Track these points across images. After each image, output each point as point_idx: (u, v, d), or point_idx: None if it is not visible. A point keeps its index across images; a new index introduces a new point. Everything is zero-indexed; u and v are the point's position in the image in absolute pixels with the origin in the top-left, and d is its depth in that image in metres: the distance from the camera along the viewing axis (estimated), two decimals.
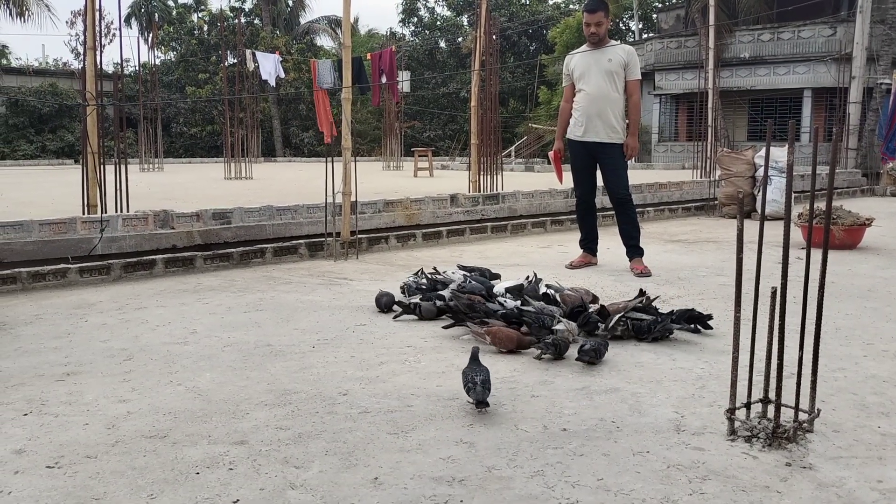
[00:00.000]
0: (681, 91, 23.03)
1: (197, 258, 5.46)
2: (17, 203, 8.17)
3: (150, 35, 25.69)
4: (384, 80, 14.93)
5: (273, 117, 31.56)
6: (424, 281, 4.32)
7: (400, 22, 35.93)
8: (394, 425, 2.39)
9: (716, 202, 9.67)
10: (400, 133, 21.74)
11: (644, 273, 5.12)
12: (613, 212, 5.53)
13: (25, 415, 2.52)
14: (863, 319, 3.82)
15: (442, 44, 34.97)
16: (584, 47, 5.43)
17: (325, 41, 36.01)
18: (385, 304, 4.01)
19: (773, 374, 2.26)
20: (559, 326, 3.33)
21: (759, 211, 2.27)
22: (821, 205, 6.73)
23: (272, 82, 17.32)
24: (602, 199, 6.52)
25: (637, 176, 10.89)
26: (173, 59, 32.68)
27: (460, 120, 30.17)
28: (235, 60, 18.00)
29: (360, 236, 6.23)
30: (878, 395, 2.67)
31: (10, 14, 27.70)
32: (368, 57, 15.29)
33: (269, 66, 16.99)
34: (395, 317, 3.90)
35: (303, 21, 35.97)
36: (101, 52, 6.08)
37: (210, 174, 15.86)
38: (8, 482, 2.01)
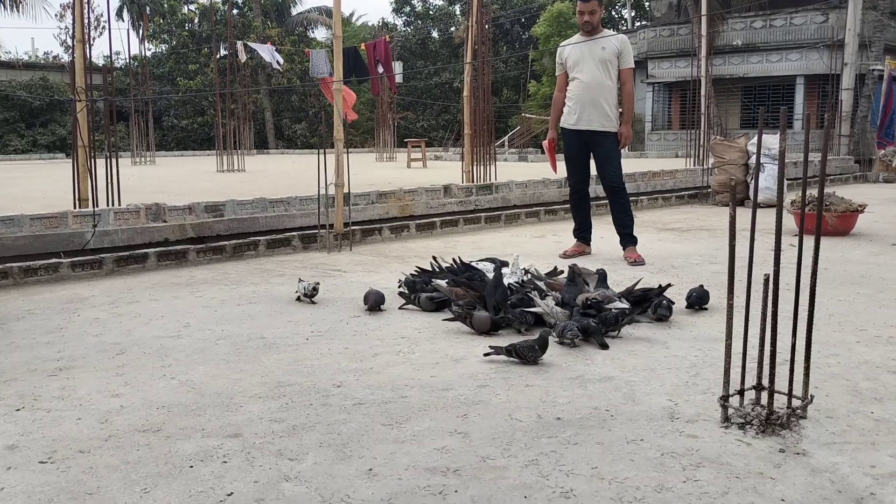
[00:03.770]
0: (674, 79, 23.02)
1: (189, 251, 5.44)
2: (9, 198, 8.12)
3: (142, 27, 25.50)
4: (381, 69, 14.90)
5: (265, 109, 31.41)
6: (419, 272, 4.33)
7: (392, 11, 35.74)
8: (388, 416, 2.39)
9: (709, 190, 9.67)
10: (393, 124, 21.64)
11: (637, 261, 5.12)
12: (607, 200, 5.53)
13: (18, 410, 2.51)
14: (856, 305, 3.83)
15: (434, 33, 34.80)
16: (577, 36, 5.43)
17: (318, 32, 35.81)
18: (374, 302, 3.84)
19: (767, 360, 2.26)
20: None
21: (752, 198, 2.27)
22: (813, 192, 6.74)
23: (275, 65, 17.44)
24: (596, 188, 6.52)
25: (630, 164, 10.88)
26: (164, 51, 32.47)
27: (453, 110, 30.07)
28: (227, 52, 17.91)
29: (353, 228, 6.21)
30: (871, 380, 2.68)
31: (4, 5, 27.34)
32: (363, 47, 15.24)
33: (266, 55, 17.03)
34: (401, 306, 3.92)
35: (294, 12, 35.72)
36: (91, 44, 6.03)
37: (202, 167, 15.78)
38: (0, 478, 2.00)
